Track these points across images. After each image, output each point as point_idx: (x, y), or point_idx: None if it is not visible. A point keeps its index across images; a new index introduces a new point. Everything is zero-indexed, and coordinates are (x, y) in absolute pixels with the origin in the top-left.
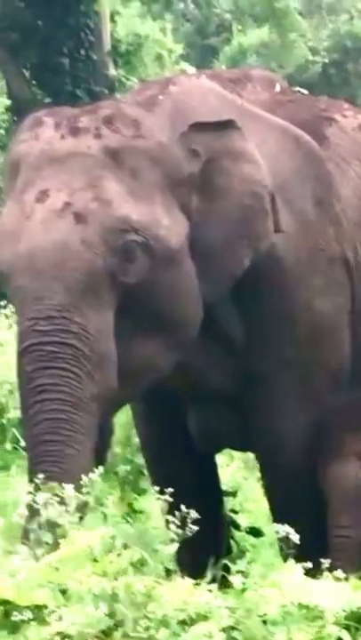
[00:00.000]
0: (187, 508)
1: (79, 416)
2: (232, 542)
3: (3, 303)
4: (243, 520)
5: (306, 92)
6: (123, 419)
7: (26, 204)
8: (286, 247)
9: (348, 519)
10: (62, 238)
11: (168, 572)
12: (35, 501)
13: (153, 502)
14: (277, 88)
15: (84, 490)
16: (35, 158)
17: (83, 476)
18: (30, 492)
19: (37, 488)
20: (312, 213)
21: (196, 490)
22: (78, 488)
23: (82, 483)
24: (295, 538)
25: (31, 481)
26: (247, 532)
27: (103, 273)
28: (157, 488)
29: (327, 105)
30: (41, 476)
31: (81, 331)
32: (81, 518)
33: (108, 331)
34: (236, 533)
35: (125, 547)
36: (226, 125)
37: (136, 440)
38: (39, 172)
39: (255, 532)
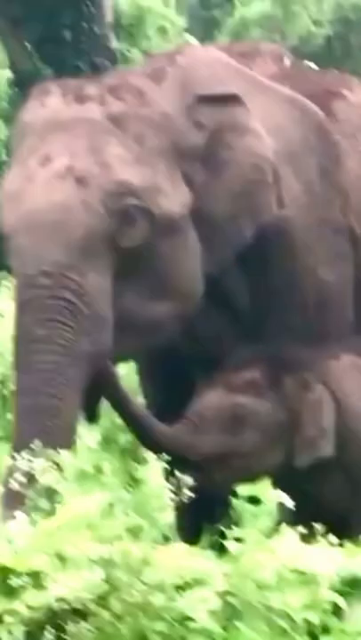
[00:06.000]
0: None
1: (71, 369)
2: (229, 509)
3: (4, 274)
4: (241, 487)
5: (314, 65)
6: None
7: (29, 168)
8: (294, 217)
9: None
10: (62, 200)
11: (165, 539)
12: (32, 468)
13: (153, 471)
14: (286, 62)
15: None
16: (40, 125)
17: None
18: (28, 459)
19: (35, 453)
20: (318, 184)
21: None
22: (70, 444)
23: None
24: (289, 504)
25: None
26: (245, 500)
27: (102, 235)
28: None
29: (335, 79)
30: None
31: (78, 288)
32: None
33: (105, 292)
34: (234, 500)
35: (123, 514)
36: (230, 99)
37: None
38: (43, 138)
39: (253, 499)
